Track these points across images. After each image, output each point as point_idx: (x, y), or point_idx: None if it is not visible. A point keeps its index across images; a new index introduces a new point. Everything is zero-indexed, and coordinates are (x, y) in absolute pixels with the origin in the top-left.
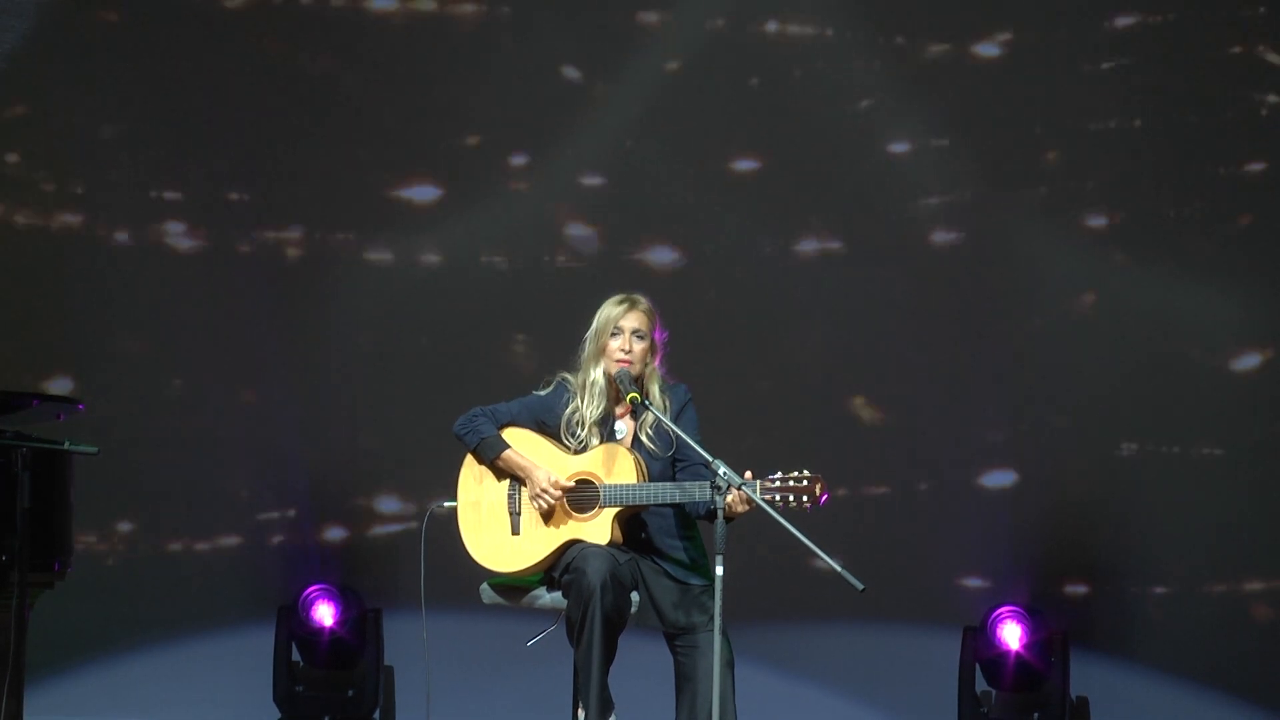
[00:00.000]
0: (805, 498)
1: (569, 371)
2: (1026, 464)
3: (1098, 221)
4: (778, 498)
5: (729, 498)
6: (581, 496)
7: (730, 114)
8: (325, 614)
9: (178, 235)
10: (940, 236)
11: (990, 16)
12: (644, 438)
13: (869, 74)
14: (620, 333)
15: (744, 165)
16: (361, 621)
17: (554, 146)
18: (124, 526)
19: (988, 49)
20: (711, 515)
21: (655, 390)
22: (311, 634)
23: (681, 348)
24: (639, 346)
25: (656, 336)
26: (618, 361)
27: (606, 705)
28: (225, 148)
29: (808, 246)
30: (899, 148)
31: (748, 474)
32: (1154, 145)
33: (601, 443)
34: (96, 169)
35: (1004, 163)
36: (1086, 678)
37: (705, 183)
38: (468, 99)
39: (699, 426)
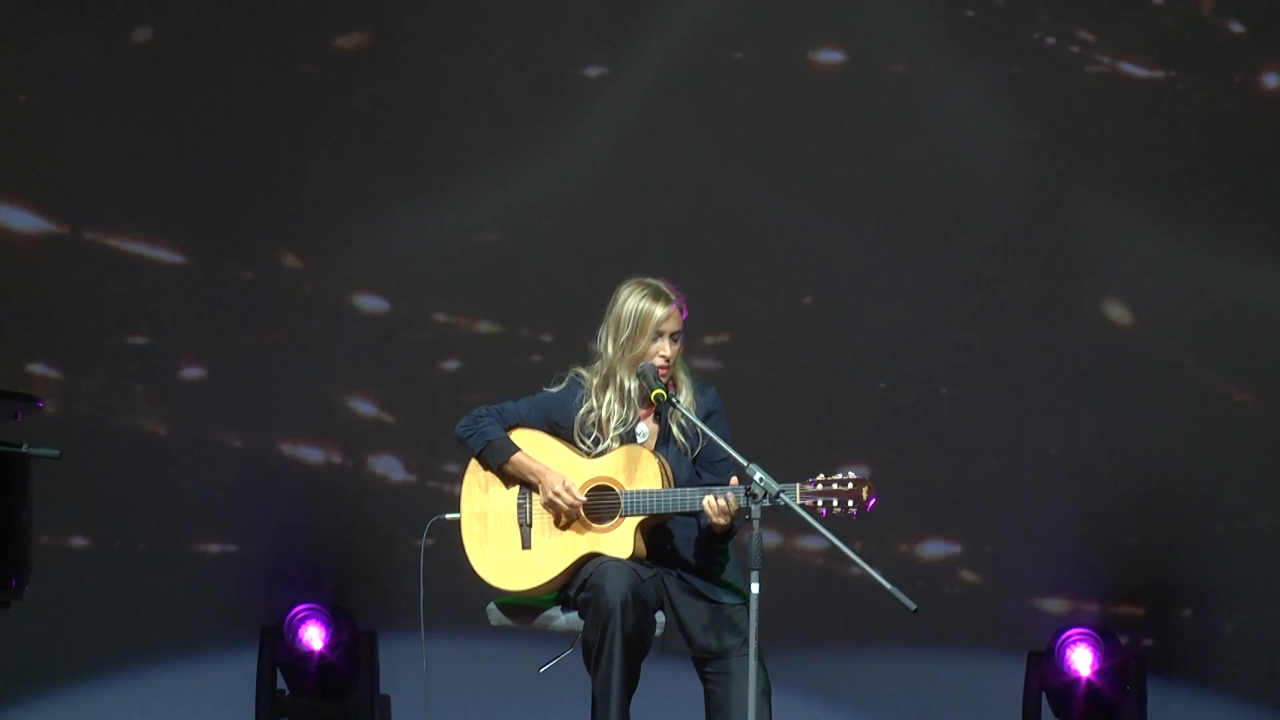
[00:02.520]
0: (851, 503)
1: (583, 366)
2: (1097, 472)
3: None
4: (819, 503)
5: (706, 501)
6: (600, 505)
7: (768, 88)
8: (314, 637)
9: (152, 226)
10: (1000, 227)
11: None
12: (675, 430)
13: (925, 41)
14: (662, 336)
15: (783, 141)
16: (354, 645)
17: (561, 130)
18: (89, 539)
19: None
20: (725, 534)
21: (683, 376)
22: (299, 659)
23: (709, 346)
24: (676, 348)
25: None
26: (660, 369)
27: None
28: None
29: (853, 231)
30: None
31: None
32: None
33: (621, 444)
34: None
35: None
36: (1165, 708)
37: (738, 159)
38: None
39: (729, 436)
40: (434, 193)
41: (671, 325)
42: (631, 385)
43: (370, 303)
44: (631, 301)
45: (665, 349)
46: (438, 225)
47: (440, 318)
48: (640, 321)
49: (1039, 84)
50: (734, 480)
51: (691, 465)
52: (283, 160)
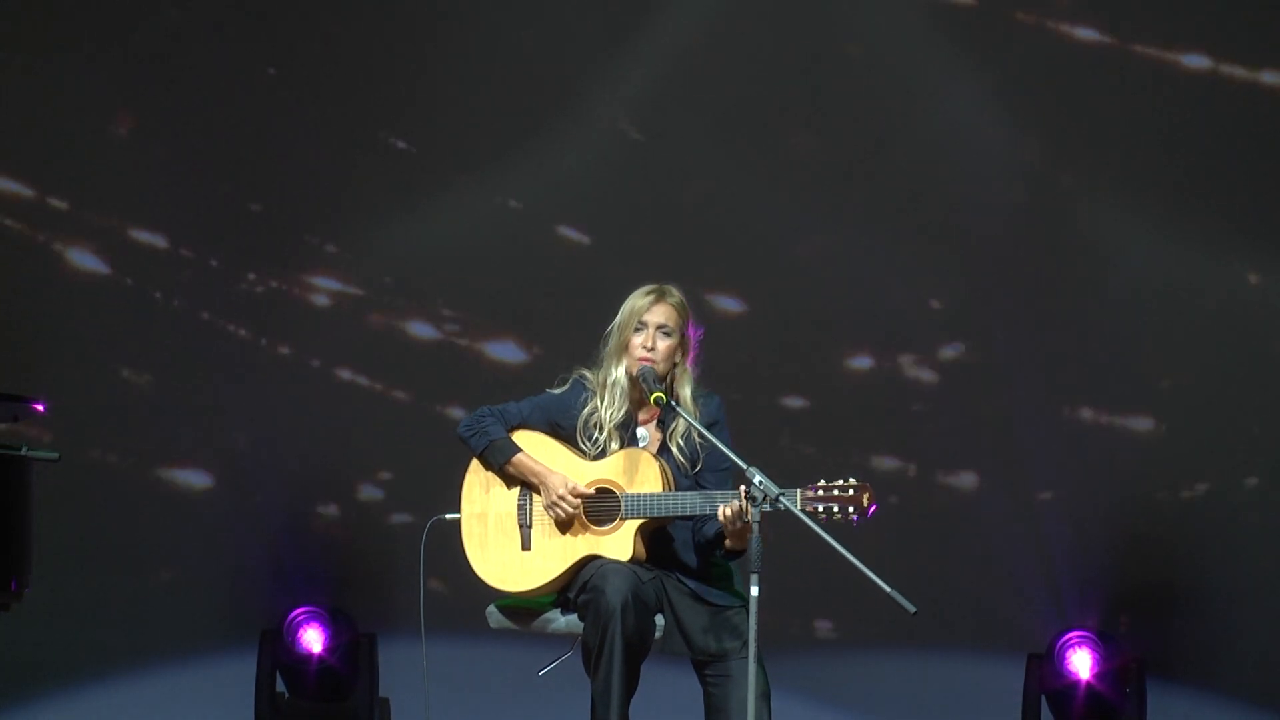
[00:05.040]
0: (851, 508)
1: (587, 368)
2: (1097, 472)
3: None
4: (820, 509)
5: (722, 514)
6: (600, 507)
7: (767, 86)
8: (313, 639)
9: (152, 230)
10: (1001, 224)
11: None
12: (673, 447)
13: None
14: (644, 328)
15: (782, 142)
16: (354, 648)
17: (565, 123)
18: (89, 543)
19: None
20: (718, 541)
21: (686, 394)
22: (298, 662)
23: (712, 347)
24: (664, 344)
25: (690, 333)
26: (640, 360)
27: None
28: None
29: (854, 234)
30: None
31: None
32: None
33: (622, 448)
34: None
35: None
36: (1166, 711)
37: (741, 163)
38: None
39: (731, 445)
40: (436, 193)
41: (656, 317)
42: (619, 375)
43: (368, 307)
44: (628, 300)
45: (648, 340)
46: (440, 226)
47: (439, 321)
48: (627, 314)
49: (1040, 81)
50: (740, 494)
51: (691, 478)
52: (278, 159)
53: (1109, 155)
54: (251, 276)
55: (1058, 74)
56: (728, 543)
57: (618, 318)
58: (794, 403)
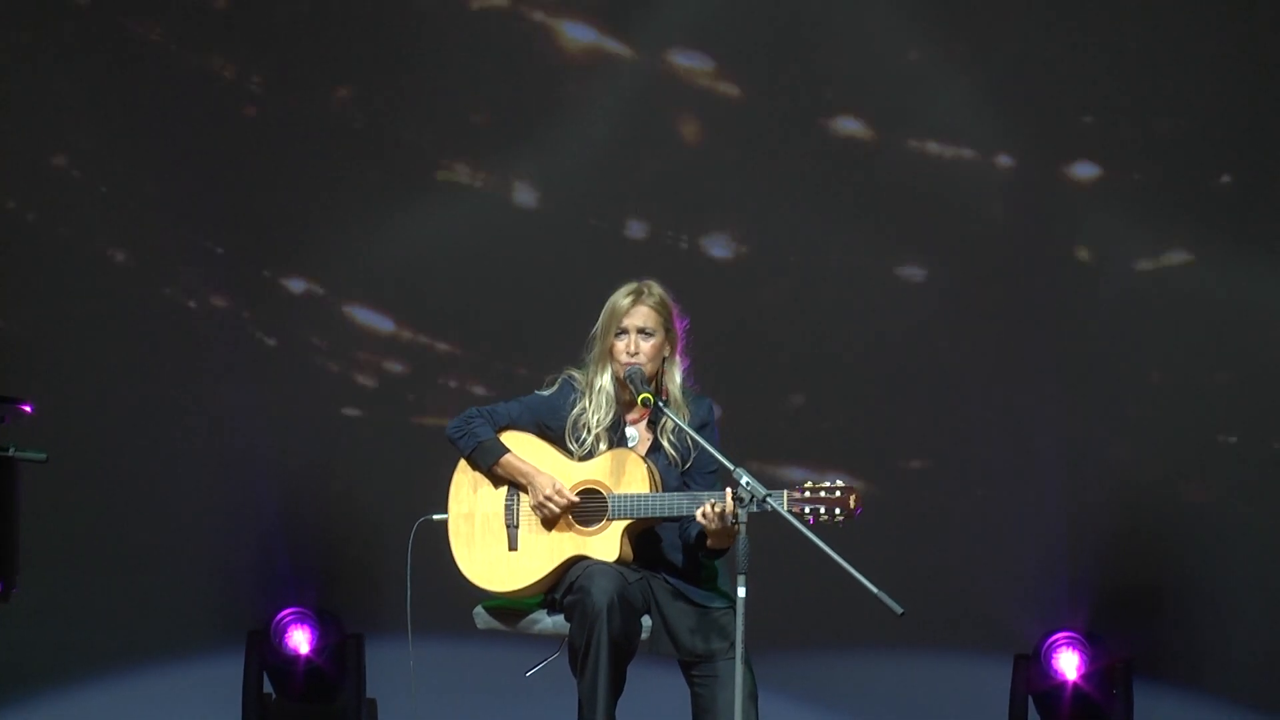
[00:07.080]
0: (838, 510)
1: (576, 368)
2: (1085, 474)
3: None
4: (807, 510)
5: (701, 512)
6: (587, 508)
7: (768, 95)
8: (301, 640)
9: (139, 231)
10: (991, 224)
11: None
12: (665, 442)
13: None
14: (625, 333)
15: (777, 150)
16: (341, 649)
17: (576, 129)
18: (77, 544)
19: None
20: (717, 551)
21: (675, 388)
22: (285, 663)
23: (707, 349)
24: (648, 344)
25: (676, 325)
26: (625, 364)
27: None
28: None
29: (845, 242)
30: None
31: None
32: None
33: (610, 448)
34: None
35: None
36: (1152, 711)
37: (746, 171)
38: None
39: (719, 448)
40: (430, 191)
41: (635, 320)
42: (604, 382)
43: (359, 307)
44: (608, 303)
45: (631, 345)
46: (441, 224)
47: (432, 323)
48: (606, 317)
49: (1037, 78)
50: (727, 495)
51: (680, 477)
52: (276, 158)
53: (1106, 155)
54: (243, 278)
55: (1054, 69)
56: (709, 542)
57: (599, 322)
58: (788, 401)
